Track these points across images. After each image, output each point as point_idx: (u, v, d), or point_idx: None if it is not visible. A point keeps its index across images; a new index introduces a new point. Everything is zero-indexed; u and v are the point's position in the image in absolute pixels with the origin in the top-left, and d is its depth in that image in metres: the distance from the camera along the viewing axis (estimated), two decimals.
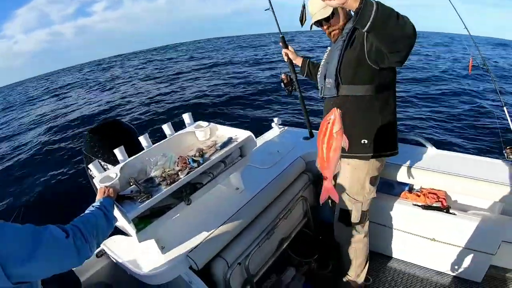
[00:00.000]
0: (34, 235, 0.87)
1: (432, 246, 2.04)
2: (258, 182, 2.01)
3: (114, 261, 1.70)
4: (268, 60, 17.57)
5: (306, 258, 2.14)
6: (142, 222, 1.36)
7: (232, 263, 1.62)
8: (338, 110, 1.09)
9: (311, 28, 1.75)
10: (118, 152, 1.57)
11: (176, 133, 1.83)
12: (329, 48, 1.78)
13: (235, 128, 1.84)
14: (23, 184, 6.34)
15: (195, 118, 1.97)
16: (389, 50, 1.28)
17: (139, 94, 12.90)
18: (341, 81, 1.59)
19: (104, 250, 1.74)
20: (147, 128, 7.07)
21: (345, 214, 1.85)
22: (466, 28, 2.46)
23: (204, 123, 1.90)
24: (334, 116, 1.09)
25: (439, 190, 2.09)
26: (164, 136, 1.80)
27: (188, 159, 1.54)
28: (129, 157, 1.59)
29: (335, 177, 1.90)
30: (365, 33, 1.32)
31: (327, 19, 1.63)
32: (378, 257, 2.31)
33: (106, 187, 1.32)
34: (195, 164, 1.50)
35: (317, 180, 2.37)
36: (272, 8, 2.23)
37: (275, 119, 2.84)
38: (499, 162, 2.02)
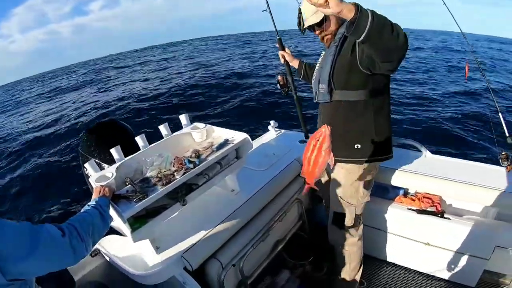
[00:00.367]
0: (31, 233, 0.87)
1: (426, 250, 2.05)
2: (253, 184, 2.01)
3: (109, 260, 1.70)
4: (266, 59, 17.51)
5: (301, 260, 2.15)
6: (137, 222, 1.36)
7: (226, 264, 1.62)
8: (329, 127, 1.11)
9: (304, 32, 1.75)
10: (115, 152, 1.57)
11: (172, 134, 1.84)
12: (323, 52, 1.79)
13: (231, 130, 1.84)
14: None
15: (191, 120, 1.98)
16: (382, 59, 1.29)
17: (137, 94, 12.87)
18: (334, 86, 1.59)
19: (98, 250, 1.74)
20: (143, 128, 7.07)
21: (339, 217, 1.86)
22: (458, 26, 2.47)
23: (200, 125, 1.91)
24: (323, 134, 1.10)
25: (434, 194, 2.10)
26: (160, 137, 1.81)
27: (184, 160, 1.54)
28: (125, 156, 1.59)
29: (329, 180, 1.91)
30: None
31: (319, 24, 1.63)
32: (373, 260, 2.32)
33: (102, 186, 1.32)
34: (191, 165, 1.51)
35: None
36: (270, 9, 2.25)
37: (271, 122, 2.85)
38: (493, 167, 2.03)
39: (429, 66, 14.07)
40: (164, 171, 1.49)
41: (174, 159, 1.57)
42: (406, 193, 2.23)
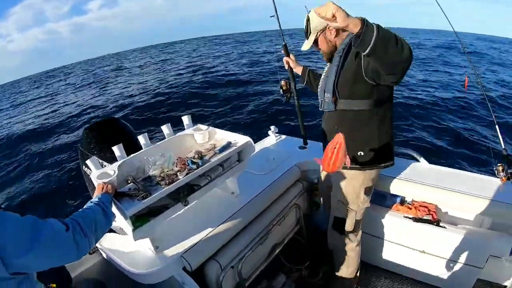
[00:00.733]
0: (34, 226, 0.87)
1: (421, 258, 2.07)
2: (253, 187, 2.03)
3: (107, 258, 1.70)
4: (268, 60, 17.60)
5: (297, 265, 2.16)
6: (139, 220, 1.37)
7: (225, 266, 1.63)
8: (342, 135, 1.27)
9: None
10: (117, 149, 1.57)
11: (175, 135, 1.85)
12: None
13: (234, 133, 1.86)
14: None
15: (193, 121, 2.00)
16: (387, 72, 1.32)
17: (137, 93, 12.85)
18: (339, 95, 1.62)
19: (96, 247, 1.74)
20: (145, 127, 7.07)
21: (339, 222, 1.88)
22: (451, 26, 2.51)
23: (203, 126, 1.92)
24: (339, 141, 1.28)
25: (430, 203, 2.12)
26: (160, 138, 1.82)
27: (187, 160, 1.55)
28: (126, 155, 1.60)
29: (330, 185, 1.93)
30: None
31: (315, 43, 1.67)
32: (369, 267, 2.33)
33: (105, 183, 1.32)
34: (194, 166, 1.52)
35: (311, 188, 2.41)
36: (277, 16, 2.28)
37: (272, 127, 2.86)
38: (489, 178, 2.07)
39: (427, 73, 14.12)
40: (167, 171, 1.50)
41: (177, 159, 1.58)
42: (403, 201, 2.25)
